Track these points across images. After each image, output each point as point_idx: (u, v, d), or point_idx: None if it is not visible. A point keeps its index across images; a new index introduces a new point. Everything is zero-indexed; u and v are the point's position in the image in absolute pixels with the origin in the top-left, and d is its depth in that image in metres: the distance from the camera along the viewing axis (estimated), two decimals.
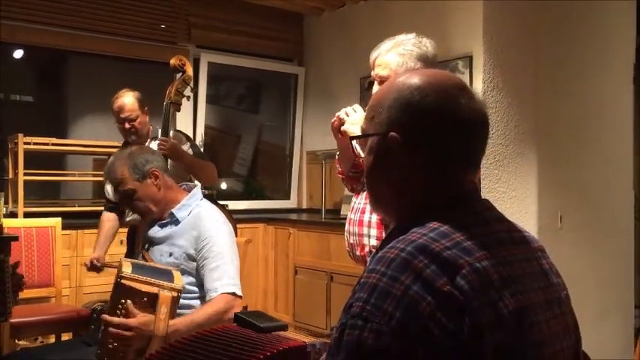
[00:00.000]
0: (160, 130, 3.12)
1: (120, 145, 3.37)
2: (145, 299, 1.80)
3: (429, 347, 0.81)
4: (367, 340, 0.82)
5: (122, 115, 3.09)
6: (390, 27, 4.45)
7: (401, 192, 0.99)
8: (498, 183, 3.74)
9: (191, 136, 4.68)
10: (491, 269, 0.88)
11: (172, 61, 3.17)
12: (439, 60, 3.97)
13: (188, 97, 3.24)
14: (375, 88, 2.04)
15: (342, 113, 2.03)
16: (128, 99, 3.10)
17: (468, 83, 1.08)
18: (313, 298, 4.39)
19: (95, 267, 2.95)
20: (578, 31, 3.94)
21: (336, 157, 2.24)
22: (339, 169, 2.22)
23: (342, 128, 2.01)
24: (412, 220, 0.95)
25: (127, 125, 3.09)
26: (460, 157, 0.98)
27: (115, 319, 1.78)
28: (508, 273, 0.90)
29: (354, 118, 2.00)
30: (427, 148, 0.96)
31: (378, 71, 2.03)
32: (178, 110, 3.22)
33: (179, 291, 1.84)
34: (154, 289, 1.81)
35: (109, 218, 3.20)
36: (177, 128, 3.66)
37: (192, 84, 3.22)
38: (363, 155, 1.05)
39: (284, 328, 1.38)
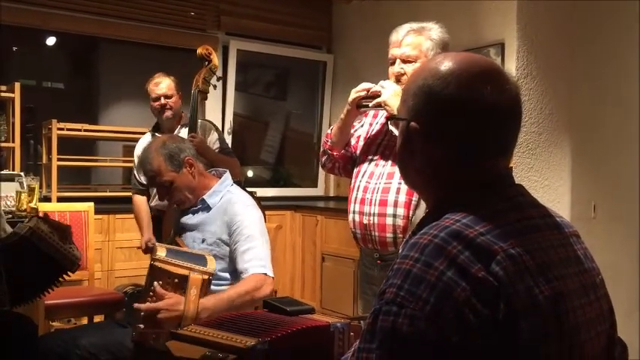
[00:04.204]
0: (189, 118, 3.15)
1: (147, 130, 3.39)
2: (176, 280, 1.81)
3: (464, 333, 0.80)
4: (402, 325, 0.82)
5: (158, 91, 3.13)
6: (420, 14, 4.38)
7: (428, 178, 0.99)
8: (531, 172, 3.69)
9: (220, 123, 4.71)
10: (526, 255, 0.87)
11: (199, 51, 3.21)
12: (469, 47, 3.93)
13: (215, 86, 3.28)
14: (397, 65, 2.05)
15: (376, 87, 2.02)
16: (165, 78, 3.17)
17: None
18: (340, 285, 4.39)
19: (151, 249, 2.98)
20: (616, 18, 3.83)
21: (329, 130, 2.21)
22: (329, 145, 2.18)
23: (382, 99, 1.97)
24: (444, 205, 0.94)
25: (162, 100, 3.13)
26: (486, 146, 0.95)
27: (143, 306, 1.80)
28: (543, 259, 0.89)
29: (393, 90, 1.97)
30: (446, 139, 0.95)
31: (406, 50, 2.03)
32: (205, 99, 3.26)
33: (210, 274, 1.85)
34: (184, 271, 1.82)
35: (142, 201, 3.26)
36: (207, 118, 3.68)
37: (218, 73, 3.26)
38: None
39: (311, 311, 1.38)
